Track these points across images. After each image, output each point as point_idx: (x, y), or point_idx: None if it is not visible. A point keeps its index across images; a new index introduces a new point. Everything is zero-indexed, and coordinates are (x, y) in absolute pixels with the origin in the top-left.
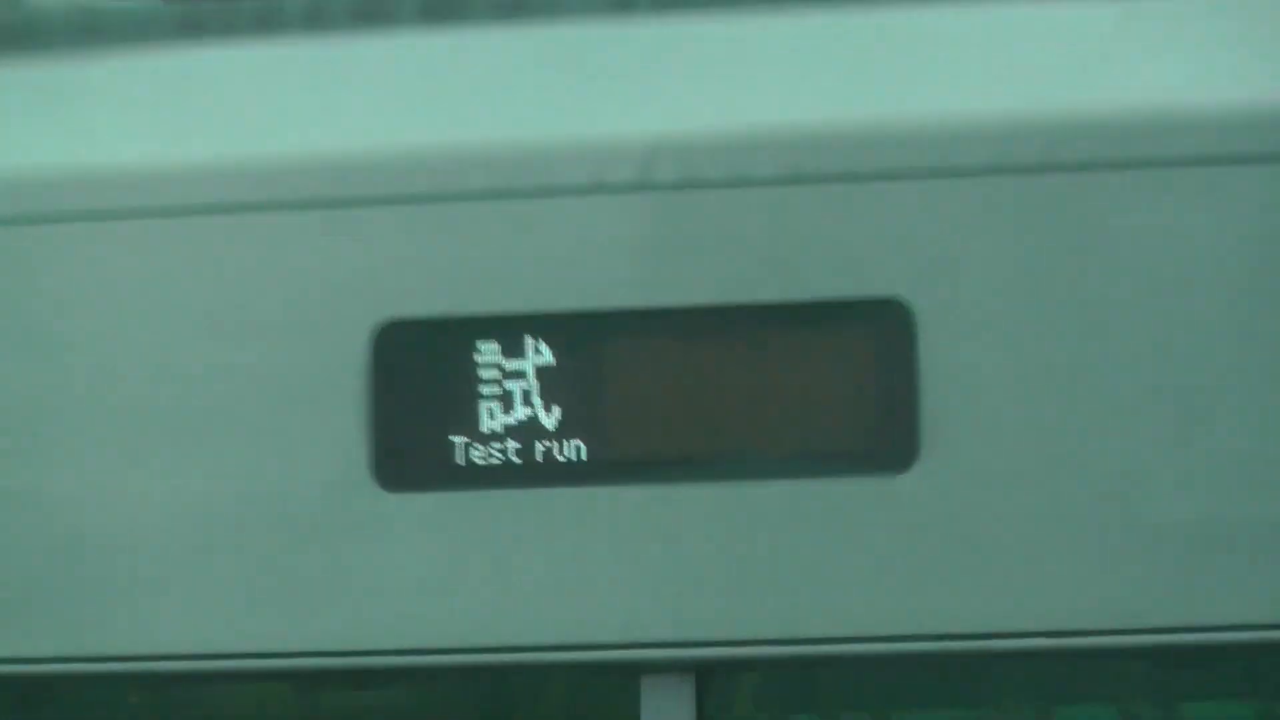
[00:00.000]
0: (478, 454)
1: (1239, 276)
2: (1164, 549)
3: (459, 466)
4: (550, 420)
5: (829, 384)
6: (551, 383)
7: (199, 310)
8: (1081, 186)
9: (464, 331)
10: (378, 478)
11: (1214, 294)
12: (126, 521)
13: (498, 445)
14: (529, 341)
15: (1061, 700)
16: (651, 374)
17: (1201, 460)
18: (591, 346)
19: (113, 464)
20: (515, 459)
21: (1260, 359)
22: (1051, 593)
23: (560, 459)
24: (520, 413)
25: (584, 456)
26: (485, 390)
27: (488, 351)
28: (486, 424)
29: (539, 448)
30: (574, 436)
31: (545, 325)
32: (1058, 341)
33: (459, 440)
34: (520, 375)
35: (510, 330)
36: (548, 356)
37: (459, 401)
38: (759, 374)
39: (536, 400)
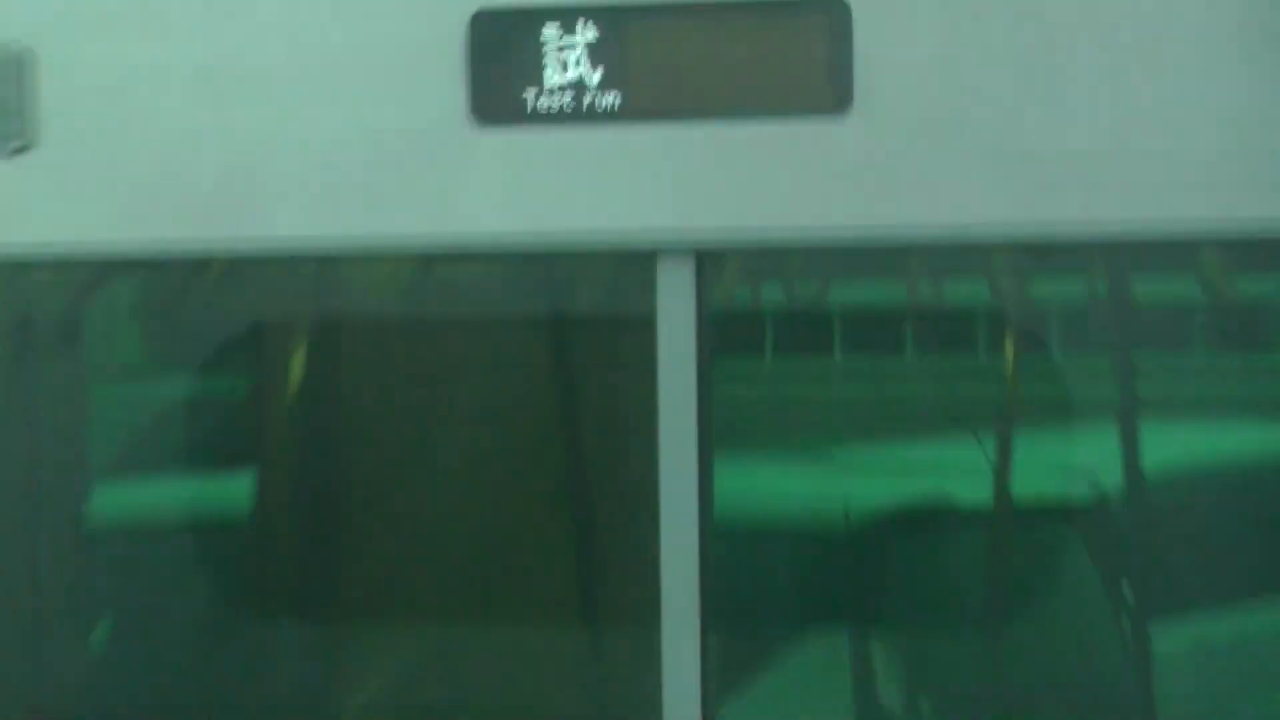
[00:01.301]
0: (544, 102)
1: None
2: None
3: (532, 110)
4: (594, 78)
5: (775, 54)
6: (596, 52)
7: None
8: None
9: (535, 16)
10: (474, 115)
11: None
12: (272, 148)
13: (558, 96)
14: (580, 23)
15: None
16: (659, 48)
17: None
18: (622, 27)
19: (270, 103)
20: (569, 105)
21: None
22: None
23: (601, 107)
24: (573, 73)
25: (618, 105)
26: (549, 58)
27: (551, 30)
28: (550, 80)
29: (586, 98)
30: (611, 89)
31: (591, 11)
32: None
33: (531, 91)
34: (574, 48)
35: (567, 16)
36: (593, 34)
37: (531, 65)
38: (726, 49)
39: (585, 64)
